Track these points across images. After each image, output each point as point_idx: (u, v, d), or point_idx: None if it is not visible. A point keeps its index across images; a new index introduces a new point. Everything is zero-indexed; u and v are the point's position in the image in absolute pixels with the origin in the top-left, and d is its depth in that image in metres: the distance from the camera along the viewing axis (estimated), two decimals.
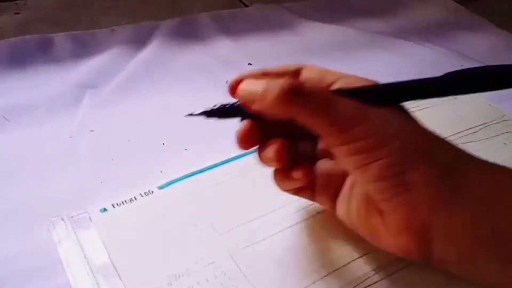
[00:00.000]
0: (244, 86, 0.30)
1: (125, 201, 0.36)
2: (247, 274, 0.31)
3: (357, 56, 0.61)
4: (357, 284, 0.30)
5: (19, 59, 0.56)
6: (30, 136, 0.45)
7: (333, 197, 0.32)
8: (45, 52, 0.58)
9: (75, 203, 0.38)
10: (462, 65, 0.59)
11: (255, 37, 0.64)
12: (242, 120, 0.32)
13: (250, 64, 0.57)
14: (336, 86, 0.30)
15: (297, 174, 0.31)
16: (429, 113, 0.48)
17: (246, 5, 0.74)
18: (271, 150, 0.31)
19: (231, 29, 0.65)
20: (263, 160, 0.32)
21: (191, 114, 0.33)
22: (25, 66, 0.55)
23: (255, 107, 0.29)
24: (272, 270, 0.31)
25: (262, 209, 0.36)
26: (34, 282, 0.32)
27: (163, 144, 0.44)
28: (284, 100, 0.28)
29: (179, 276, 0.31)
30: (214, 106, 0.32)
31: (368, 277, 0.31)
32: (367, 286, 0.30)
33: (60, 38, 0.60)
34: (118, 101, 0.50)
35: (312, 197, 0.33)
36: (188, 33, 0.64)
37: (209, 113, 0.32)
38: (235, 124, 0.38)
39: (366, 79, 0.30)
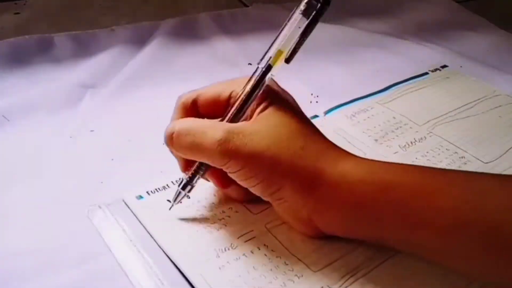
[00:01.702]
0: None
1: (159, 188, 0.38)
2: (287, 246, 0.34)
3: (357, 56, 0.61)
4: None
5: (19, 59, 0.56)
6: (30, 136, 0.45)
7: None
8: (45, 52, 0.58)
9: (75, 203, 0.38)
10: (461, 66, 0.59)
11: (255, 37, 0.64)
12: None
13: (250, 64, 0.57)
14: (232, 99, 0.34)
15: (232, 194, 0.37)
16: (425, 93, 0.52)
17: (246, 5, 0.74)
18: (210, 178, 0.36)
19: (231, 29, 0.65)
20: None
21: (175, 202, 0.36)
22: (25, 66, 0.55)
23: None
24: (307, 242, 0.34)
25: None
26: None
27: (163, 144, 0.44)
28: (167, 145, 0.34)
29: (225, 249, 0.34)
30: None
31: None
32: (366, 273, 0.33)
33: (60, 38, 0.60)
34: (118, 101, 0.50)
35: (243, 200, 0.37)
36: (188, 33, 0.64)
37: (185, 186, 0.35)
38: None
39: (243, 79, 0.34)
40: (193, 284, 0.31)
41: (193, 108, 0.35)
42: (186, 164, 0.35)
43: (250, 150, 0.31)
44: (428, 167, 0.33)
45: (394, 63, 0.59)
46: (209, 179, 0.37)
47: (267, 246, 0.34)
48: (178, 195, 0.35)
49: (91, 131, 0.46)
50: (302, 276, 0.32)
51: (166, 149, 0.44)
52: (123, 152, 0.43)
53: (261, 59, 0.33)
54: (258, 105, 0.33)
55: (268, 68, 0.33)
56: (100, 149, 0.44)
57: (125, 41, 0.61)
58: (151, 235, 0.35)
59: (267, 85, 0.34)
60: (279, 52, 0.33)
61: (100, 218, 0.36)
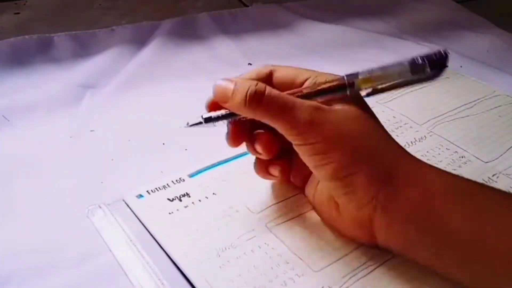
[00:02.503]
0: (218, 83, 0.33)
1: (159, 188, 0.38)
2: (289, 245, 0.34)
3: (357, 56, 0.61)
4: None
5: (19, 59, 0.56)
6: (30, 136, 0.45)
7: (304, 180, 0.37)
8: (45, 52, 0.58)
9: (75, 203, 0.38)
10: (461, 66, 0.59)
11: (255, 37, 0.64)
12: (231, 121, 0.34)
13: (250, 64, 0.57)
14: (306, 84, 0.33)
15: (274, 171, 0.35)
16: (425, 93, 0.52)
17: (246, 5, 0.74)
18: (258, 145, 0.34)
19: (231, 29, 0.65)
20: (253, 153, 0.35)
21: (190, 125, 0.35)
22: (25, 66, 0.55)
23: (226, 106, 0.33)
24: (309, 242, 0.34)
25: (286, 193, 0.38)
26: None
27: (163, 144, 0.44)
28: (248, 104, 0.31)
29: (226, 248, 0.33)
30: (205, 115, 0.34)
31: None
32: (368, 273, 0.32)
33: (60, 38, 0.60)
34: (118, 101, 0.50)
35: (287, 178, 0.37)
36: (188, 33, 0.64)
37: (206, 120, 0.34)
38: None
39: (335, 76, 0.32)
40: (194, 283, 0.31)
41: (268, 79, 0.34)
42: (213, 106, 0.34)
43: (335, 126, 0.31)
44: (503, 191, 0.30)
45: None
46: (260, 147, 0.34)
47: (268, 245, 0.34)
48: (195, 121, 0.34)
49: (91, 131, 0.46)
50: (303, 275, 0.32)
51: (166, 149, 0.44)
52: (123, 152, 0.43)
53: (354, 74, 0.32)
54: (343, 98, 0.32)
55: (353, 84, 0.32)
56: (100, 149, 0.44)
57: (125, 41, 0.61)
58: (151, 234, 0.35)
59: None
60: (369, 80, 0.32)
61: (100, 218, 0.36)
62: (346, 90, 0.32)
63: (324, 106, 0.31)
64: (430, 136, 0.45)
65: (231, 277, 0.32)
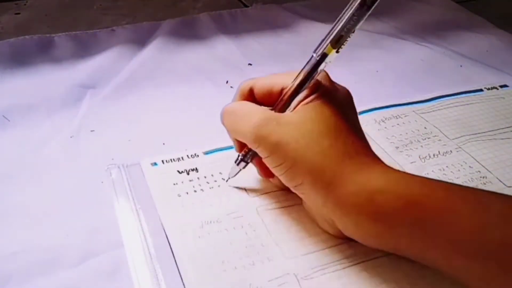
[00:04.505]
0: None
1: (173, 159, 0.41)
2: (270, 230, 0.35)
3: (357, 56, 0.61)
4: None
5: (19, 59, 0.56)
6: (30, 136, 0.45)
7: None
8: (45, 52, 0.58)
9: (75, 203, 0.38)
10: (461, 65, 0.59)
11: (255, 37, 0.64)
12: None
13: (250, 64, 0.57)
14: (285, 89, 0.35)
15: (275, 181, 0.38)
16: (471, 109, 0.50)
17: (246, 5, 0.74)
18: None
19: (231, 29, 0.66)
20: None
21: (232, 176, 0.39)
22: (25, 66, 0.55)
23: None
24: (292, 231, 0.35)
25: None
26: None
27: (163, 144, 0.44)
28: (223, 123, 0.36)
29: (211, 222, 0.36)
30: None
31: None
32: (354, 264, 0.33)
33: (60, 38, 0.60)
34: (118, 101, 0.50)
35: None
36: (188, 33, 0.64)
37: (239, 163, 0.38)
38: None
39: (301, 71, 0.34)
40: (171, 246, 0.34)
41: (250, 95, 0.36)
42: (241, 146, 0.37)
43: (278, 139, 0.32)
44: (456, 184, 0.31)
45: (394, 63, 0.59)
46: (254, 166, 0.38)
47: (251, 226, 0.36)
48: (233, 170, 0.38)
49: (91, 131, 0.46)
50: (273, 259, 0.33)
51: (166, 149, 0.44)
52: (123, 152, 0.43)
53: (316, 48, 0.33)
54: (305, 97, 0.33)
55: (323, 57, 0.33)
56: (100, 149, 0.44)
57: (125, 41, 0.61)
58: (154, 200, 0.37)
59: (318, 80, 0.34)
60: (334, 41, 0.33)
61: (116, 177, 0.40)
62: (317, 73, 0.33)
63: (274, 114, 0.34)
64: (457, 151, 0.44)
65: (204, 247, 0.34)
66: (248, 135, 0.33)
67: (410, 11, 0.74)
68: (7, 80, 0.53)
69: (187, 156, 0.42)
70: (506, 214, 0.28)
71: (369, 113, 0.48)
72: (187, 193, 0.38)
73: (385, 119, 0.48)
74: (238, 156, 0.37)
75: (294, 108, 0.34)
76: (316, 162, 0.31)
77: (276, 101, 0.35)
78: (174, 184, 0.39)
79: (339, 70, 0.58)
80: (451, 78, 0.57)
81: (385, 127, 0.47)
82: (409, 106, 0.50)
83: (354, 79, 0.56)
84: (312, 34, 0.65)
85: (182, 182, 0.39)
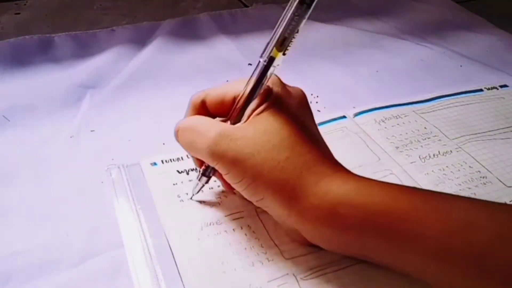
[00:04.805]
0: None
1: (173, 159, 0.42)
2: (270, 231, 0.35)
3: (357, 56, 0.61)
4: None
5: (19, 59, 0.56)
6: (30, 136, 0.45)
7: None
8: (46, 52, 0.58)
9: (75, 203, 0.38)
10: (461, 65, 0.59)
11: (255, 37, 0.64)
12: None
13: (250, 64, 0.57)
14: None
15: (239, 194, 0.36)
16: (470, 109, 0.50)
17: (246, 5, 0.74)
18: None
19: (231, 29, 0.66)
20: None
21: (194, 194, 0.38)
22: (25, 66, 0.55)
23: None
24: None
25: None
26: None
27: (163, 144, 0.44)
28: (178, 141, 0.35)
29: (210, 224, 0.36)
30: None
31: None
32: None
33: (60, 38, 0.60)
34: (118, 101, 0.50)
35: None
36: (188, 33, 0.64)
37: (201, 179, 0.37)
38: None
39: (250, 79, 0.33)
40: (171, 247, 0.34)
41: (203, 107, 0.36)
42: (200, 161, 0.36)
43: (234, 156, 0.31)
44: (419, 189, 0.31)
45: (394, 63, 0.59)
46: (217, 179, 0.37)
47: (250, 227, 0.36)
48: (196, 186, 0.37)
49: (91, 131, 0.46)
50: (272, 260, 0.33)
51: (166, 149, 0.44)
52: (123, 152, 0.43)
53: (262, 53, 0.33)
54: (257, 106, 0.33)
55: (270, 61, 0.32)
56: (100, 149, 0.44)
57: (125, 41, 0.61)
58: (153, 200, 0.38)
59: (268, 86, 0.33)
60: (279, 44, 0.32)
61: (116, 177, 0.40)
62: (266, 79, 0.33)
63: (228, 129, 0.32)
64: (457, 151, 0.44)
65: (203, 248, 0.34)
66: (205, 153, 0.33)
67: (410, 11, 0.74)
68: (7, 80, 0.53)
69: (187, 156, 0.42)
70: (469, 219, 0.28)
71: (369, 113, 0.48)
72: (187, 194, 0.38)
73: (385, 119, 0.48)
74: (199, 171, 0.36)
75: (248, 117, 0.33)
76: (275, 177, 0.31)
77: (229, 111, 0.34)
78: (173, 184, 0.39)
79: (339, 69, 0.59)
80: (451, 78, 0.57)
81: (385, 127, 0.47)
82: (409, 106, 0.50)
83: (354, 79, 0.56)
84: (312, 34, 0.65)
85: (182, 182, 0.39)
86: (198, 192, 0.37)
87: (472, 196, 0.39)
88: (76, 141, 0.45)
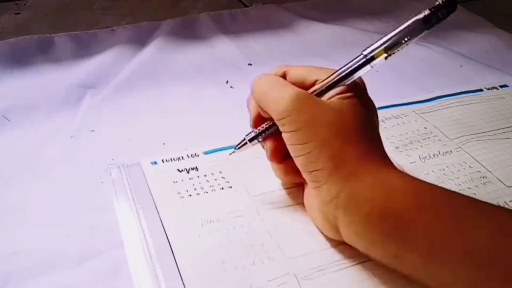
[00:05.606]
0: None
1: (173, 158, 0.42)
2: (270, 230, 0.35)
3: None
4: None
5: (19, 60, 0.56)
6: (30, 136, 0.45)
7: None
8: (46, 52, 0.58)
9: (75, 203, 0.38)
10: (461, 65, 0.59)
11: (255, 37, 0.64)
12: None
13: (250, 64, 0.57)
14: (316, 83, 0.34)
15: (280, 170, 0.37)
16: (471, 109, 0.50)
17: (246, 6, 0.74)
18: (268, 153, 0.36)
19: (231, 29, 0.66)
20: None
21: (238, 147, 0.37)
22: (25, 66, 0.55)
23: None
24: (292, 230, 0.35)
25: (286, 183, 0.39)
26: None
27: (163, 144, 0.44)
28: (253, 90, 0.35)
29: (211, 221, 0.36)
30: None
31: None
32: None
33: (60, 38, 0.60)
34: (118, 101, 0.50)
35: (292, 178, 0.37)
36: (188, 33, 0.64)
37: (251, 139, 0.36)
38: (233, 123, 0.38)
39: (331, 70, 0.34)
40: (172, 246, 0.34)
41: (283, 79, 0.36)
42: (257, 121, 0.36)
43: (312, 116, 0.32)
44: (468, 197, 0.31)
45: (394, 63, 0.59)
46: (266, 147, 0.36)
47: (251, 226, 0.36)
48: (243, 144, 0.37)
49: (91, 131, 0.46)
50: (273, 259, 0.33)
51: (166, 149, 0.44)
52: (123, 152, 0.43)
53: (367, 48, 0.33)
54: (342, 91, 0.33)
55: (371, 59, 0.33)
56: (100, 149, 0.44)
57: (125, 41, 0.61)
58: (153, 200, 0.38)
59: (356, 81, 0.34)
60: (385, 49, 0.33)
61: (116, 177, 0.40)
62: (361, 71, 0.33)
63: (312, 95, 0.33)
64: (457, 151, 0.44)
65: (204, 247, 0.34)
66: (282, 104, 0.32)
67: (410, 11, 0.73)
68: (7, 80, 0.53)
69: (187, 155, 0.42)
70: (479, 221, 0.28)
71: None
72: (187, 191, 0.38)
73: (385, 119, 0.48)
74: (251, 132, 0.36)
75: (329, 98, 0.33)
76: (343, 151, 0.31)
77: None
78: (174, 182, 0.39)
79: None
80: (451, 78, 0.57)
81: (385, 127, 0.47)
82: (409, 106, 0.50)
83: None
84: (312, 34, 0.65)
85: (182, 181, 0.39)
86: (240, 150, 0.37)
87: (472, 196, 0.39)
88: (76, 141, 0.45)
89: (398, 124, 0.47)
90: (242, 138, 0.37)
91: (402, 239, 0.29)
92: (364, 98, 0.34)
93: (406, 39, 0.32)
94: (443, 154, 0.44)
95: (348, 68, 0.33)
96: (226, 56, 0.60)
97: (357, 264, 0.33)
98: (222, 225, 0.35)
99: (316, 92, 0.34)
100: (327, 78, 0.34)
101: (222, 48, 0.61)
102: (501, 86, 0.54)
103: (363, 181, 0.31)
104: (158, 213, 0.37)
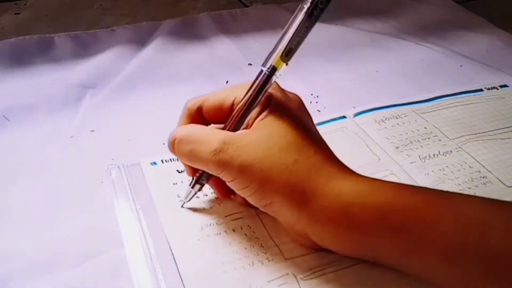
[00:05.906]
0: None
1: (172, 159, 0.42)
2: (270, 231, 0.35)
3: (357, 56, 0.61)
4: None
5: (19, 59, 0.56)
6: (30, 136, 0.45)
7: None
8: (46, 52, 0.58)
9: (75, 203, 0.38)
10: (461, 65, 0.59)
11: (255, 37, 0.64)
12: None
13: (250, 64, 0.57)
14: (235, 105, 0.33)
15: (237, 200, 0.37)
16: (471, 109, 0.50)
17: (246, 5, 0.74)
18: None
19: (231, 29, 0.66)
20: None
21: (187, 201, 0.37)
22: (25, 66, 0.55)
23: None
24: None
25: None
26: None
27: (163, 144, 0.44)
28: (175, 153, 0.35)
29: (210, 224, 0.36)
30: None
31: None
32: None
33: (60, 38, 0.60)
34: (118, 101, 0.50)
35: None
36: (188, 33, 0.64)
37: (193, 186, 0.36)
38: None
39: (247, 84, 0.33)
40: (171, 246, 0.34)
41: (198, 114, 0.35)
42: (193, 169, 0.36)
43: (242, 162, 0.31)
44: (430, 189, 0.31)
45: (394, 63, 0.59)
46: (210, 187, 0.37)
47: (250, 227, 0.36)
48: (189, 194, 0.37)
49: (91, 131, 0.46)
50: (272, 260, 0.33)
51: (166, 149, 0.44)
52: (123, 152, 0.43)
53: (265, 61, 0.32)
54: (259, 112, 0.33)
55: (272, 70, 0.32)
56: (100, 149, 0.44)
57: (125, 41, 0.61)
58: (153, 200, 0.38)
59: (270, 92, 0.33)
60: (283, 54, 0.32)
61: (116, 177, 0.40)
62: (268, 87, 0.33)
63: (232, 136, 0.32)
64: (457, 151, 0.44)
65: (203, 248, 0.34)
66: (208, 162, 0.32)
67: (410, 11, 0.74)
68: (7, 80, 0.53)
69: None
70: (483, 218, 0.28)
71: (369, 113, 0.48)
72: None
73: (385, 119, 0.48)
74: (192, 179, 0.36)
75: (248, 125, 0.33)
76: (284, 180, 0.31)
77: (226, 118, 0.34)
78: (173, 184, 0.39)
79: (339, 70, 0.59)
80: (451, 78, 0.57)
81: (385, 127, 0.47)
82: (409, 106, 0.50)
83: (354, 79, 0.56)
84: (312, 34, 0.65)
85: (182, 182, 0.39)
86: (190, 199, 0.37)
87: None
88: (76, 141, 0.45)
89: (398, 124, 0.47)
90: (188, 190, 0.36)
91: (374, 246, 0.30)
92: (284, 107, 0.33)
93: (296, 42, 0.32)
94: (443, 154, 0.44)
95: (254, 90, 0.32)
96: (226, 56, 0.60)
97: (356, 264, 0.33)
98: (222, 227, 0.36)
99: (232, 125, 0.33)
100: (240, 105, 0.33)
101: (222, 48, 0.61)
102: (501, 86, 0.54)
103: (317, 203, 0.30)
104: (158, 214, 0.37)
